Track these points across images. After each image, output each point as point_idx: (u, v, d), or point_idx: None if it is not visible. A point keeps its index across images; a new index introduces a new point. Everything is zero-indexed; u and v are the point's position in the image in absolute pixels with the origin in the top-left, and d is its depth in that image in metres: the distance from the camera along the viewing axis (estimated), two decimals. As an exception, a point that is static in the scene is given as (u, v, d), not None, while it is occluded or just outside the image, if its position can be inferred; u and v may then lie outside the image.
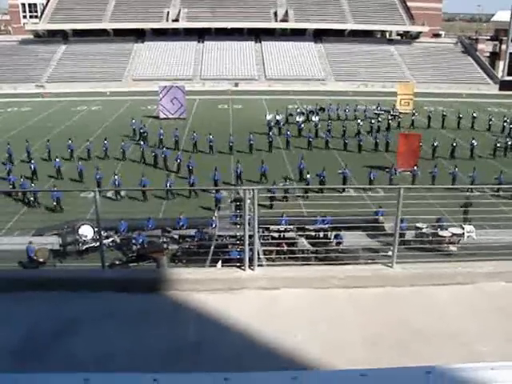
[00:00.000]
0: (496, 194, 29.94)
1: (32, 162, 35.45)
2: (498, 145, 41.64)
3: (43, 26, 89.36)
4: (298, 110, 53.69)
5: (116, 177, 32.22)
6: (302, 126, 47.55)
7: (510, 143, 42.84)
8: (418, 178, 33.81)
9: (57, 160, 35.55)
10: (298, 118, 49.66)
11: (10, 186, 31.96)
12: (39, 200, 30.46)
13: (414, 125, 50.76)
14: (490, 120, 51.19)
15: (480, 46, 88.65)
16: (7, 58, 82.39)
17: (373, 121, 50.21)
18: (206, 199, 30.80)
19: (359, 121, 48.52)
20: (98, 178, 32.48)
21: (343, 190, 31.77)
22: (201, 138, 41.98)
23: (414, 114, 52.55)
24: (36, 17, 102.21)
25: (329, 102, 58.45)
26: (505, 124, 49.61)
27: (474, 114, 51.47)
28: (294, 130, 46.81)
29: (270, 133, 44.62)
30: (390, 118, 52.27)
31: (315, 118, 49.96)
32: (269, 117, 49.50)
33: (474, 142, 40.92)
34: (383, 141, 43.07)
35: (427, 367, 3.37)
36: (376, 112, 53.78)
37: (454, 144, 40.73)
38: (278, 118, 49.97)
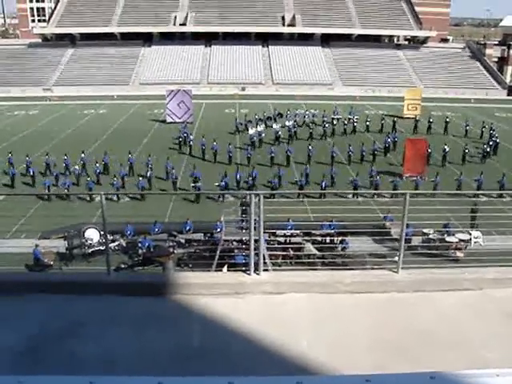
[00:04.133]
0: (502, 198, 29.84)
1: (76, 168, 36.41)
2: (467, 151, 41.34)
3: (51, 29, 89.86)
4: (256, 117, 52.83)
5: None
6: (279, 133, 47.30)
7: (487, 150, 42.66)
8: (422, 186, 33.66)
9: (97, 165, 36.71)
10: (256, 129, 48.35)
11: (66, 190, 33.22)
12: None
13: (429, 130, 50.87)
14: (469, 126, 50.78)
15: (488, 51, 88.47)
16: (15, 61, 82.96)
17: (329, 124, 50.60)
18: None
19: (326, 124, 49.74)
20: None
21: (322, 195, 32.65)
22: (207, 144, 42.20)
23: (430, 120, 52.51)
24: (44, 21, 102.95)
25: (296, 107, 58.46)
26: (483, 130, 49.19)
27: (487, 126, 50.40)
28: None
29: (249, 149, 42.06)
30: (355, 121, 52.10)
31: (276, 126, 49.76)
32: (251, 131, 47.75)
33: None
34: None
35: (431, 373, 3.35)
36: (333, 117, 53.31)
37: (466, 150, 41.07)
38: (259, 129, 48.05)
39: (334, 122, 51.18)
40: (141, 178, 34.31)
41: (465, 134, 49.51)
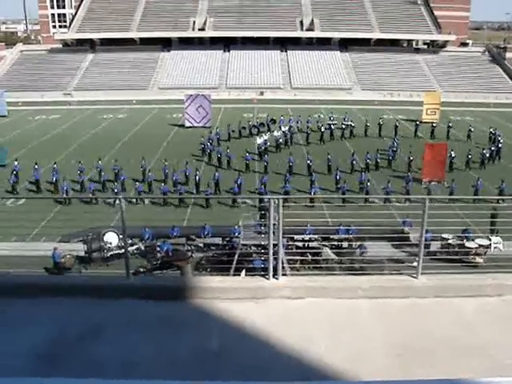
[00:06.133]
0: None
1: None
2: (470, 156, 40.54)
3: (72, 35, 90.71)
4: (250, 123, 52.71)
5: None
6: (281, 140, 46.95)
7: (487, 154, 41.70)
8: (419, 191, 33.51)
9: (122, 171, 36.38)
10: (263, 138, 46.52)
11: (91, 194, 32.96)
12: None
13: (433, 135, 50.43)
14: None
15: (508, 55, 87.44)
16: (36, 66, 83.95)
17: (324, 129, 49.89)
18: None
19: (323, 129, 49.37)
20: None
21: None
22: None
23: (433, 125, 52.00)
24: (65, 26, 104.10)
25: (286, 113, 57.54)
26: (491, 135, 48.30)
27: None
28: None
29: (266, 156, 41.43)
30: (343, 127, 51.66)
31: (277, 133, 48.51)
32: (259, 140, 45.86)
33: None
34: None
35: (452, 380, 3.32)
36: (329, 123, 52.42)
37: (470, 155, 40.44)
38: (265, 138, 46.36)
39: (333, 127, 50.74)
40: (163, 184, 33.93)
41: (467, 139, 48.69)
